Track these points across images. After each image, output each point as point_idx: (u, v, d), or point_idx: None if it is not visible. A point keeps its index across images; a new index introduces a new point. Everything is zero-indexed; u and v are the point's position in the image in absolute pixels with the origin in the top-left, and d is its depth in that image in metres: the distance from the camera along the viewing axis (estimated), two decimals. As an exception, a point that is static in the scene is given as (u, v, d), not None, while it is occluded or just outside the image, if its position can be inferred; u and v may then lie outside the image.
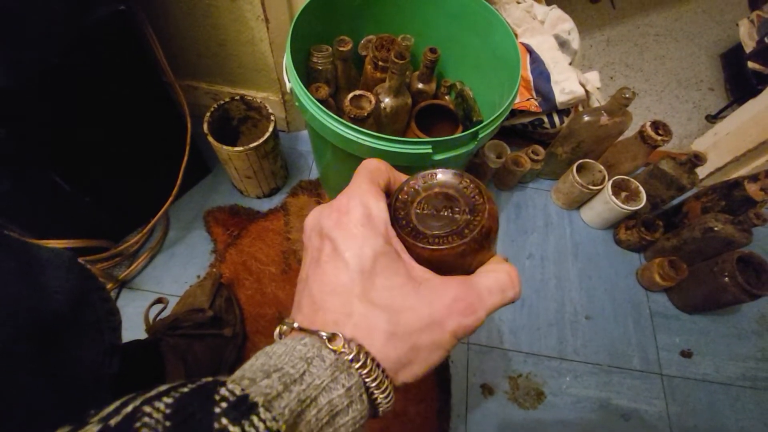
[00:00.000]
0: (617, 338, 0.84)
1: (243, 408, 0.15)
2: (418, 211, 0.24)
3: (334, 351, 0.19)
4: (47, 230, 0.68)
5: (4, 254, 0.30)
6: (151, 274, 0.81)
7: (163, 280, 0.81)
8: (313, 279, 0.22)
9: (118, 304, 0.77)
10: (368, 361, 0.19)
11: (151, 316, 0.66)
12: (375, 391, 0.20)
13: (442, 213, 0.24)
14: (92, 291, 0.38)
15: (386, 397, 0.20)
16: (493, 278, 0.22)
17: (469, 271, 0.24)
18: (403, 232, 0.23)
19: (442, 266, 0.23)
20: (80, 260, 0.37)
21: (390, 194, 0.25)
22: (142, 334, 0.65)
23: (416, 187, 0.25)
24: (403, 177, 0.26)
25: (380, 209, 0.23)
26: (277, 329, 0.22)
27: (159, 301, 0.68)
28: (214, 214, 0.88)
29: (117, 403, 0.15)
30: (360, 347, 0.20)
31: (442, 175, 0.25)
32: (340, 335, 0.20)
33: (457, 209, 0.24)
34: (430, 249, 0.22)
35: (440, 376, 0.76)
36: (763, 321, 0.89)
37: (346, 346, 0.19)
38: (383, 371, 0.20)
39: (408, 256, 0.23)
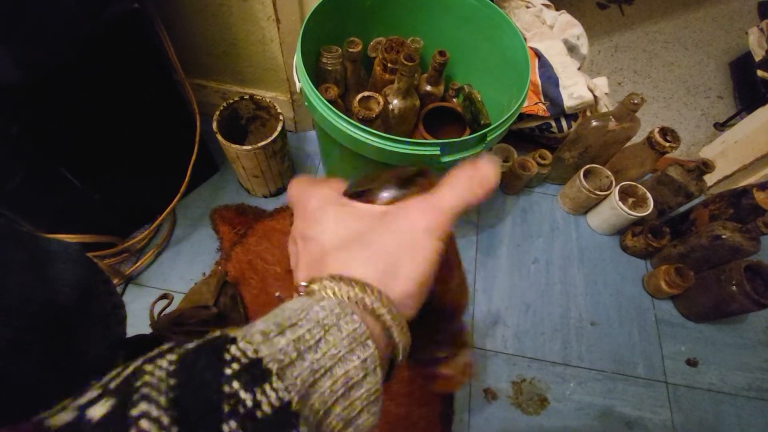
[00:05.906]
0: (622, 345, 0.84)
1: (255, 373, 0.14)
2: (372, 187, 0.27)
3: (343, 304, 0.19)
4: (56, 225, 0.68)
5: (14, 246, 0.30)
6: (157, 270, 0.81)
7: (169, 277, 0.81)
8: (298, 268, 0.24)
9: (124, 300, 0.77)
10: (352, 282, 0.19)
11: (156, 312, 0.67)
12: (381, 311, 0.19)
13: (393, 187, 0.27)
14: (99, 284, 0.38)
15: (398, 326, 0.20)
16: (454, 180, 0.24)
17: None
18: (359, 200, 0.26)
19: None
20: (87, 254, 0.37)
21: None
22: (146, 330, 0.65)
23: (369, 181, 0.27)
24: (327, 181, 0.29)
25: (327, 190, 0.26)
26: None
27: (164, 297, 0.68)
28: (220, 213, 0.88)
29: (119, 369, 0.15)
30: (340, 276, 0.20)
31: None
32: (324, 279, 0.20)
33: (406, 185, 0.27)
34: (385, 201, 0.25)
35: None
36: (771, 331, 0.89)
37: (328, 281, 0.20)
38: (374, 289, 0.20)
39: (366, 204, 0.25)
